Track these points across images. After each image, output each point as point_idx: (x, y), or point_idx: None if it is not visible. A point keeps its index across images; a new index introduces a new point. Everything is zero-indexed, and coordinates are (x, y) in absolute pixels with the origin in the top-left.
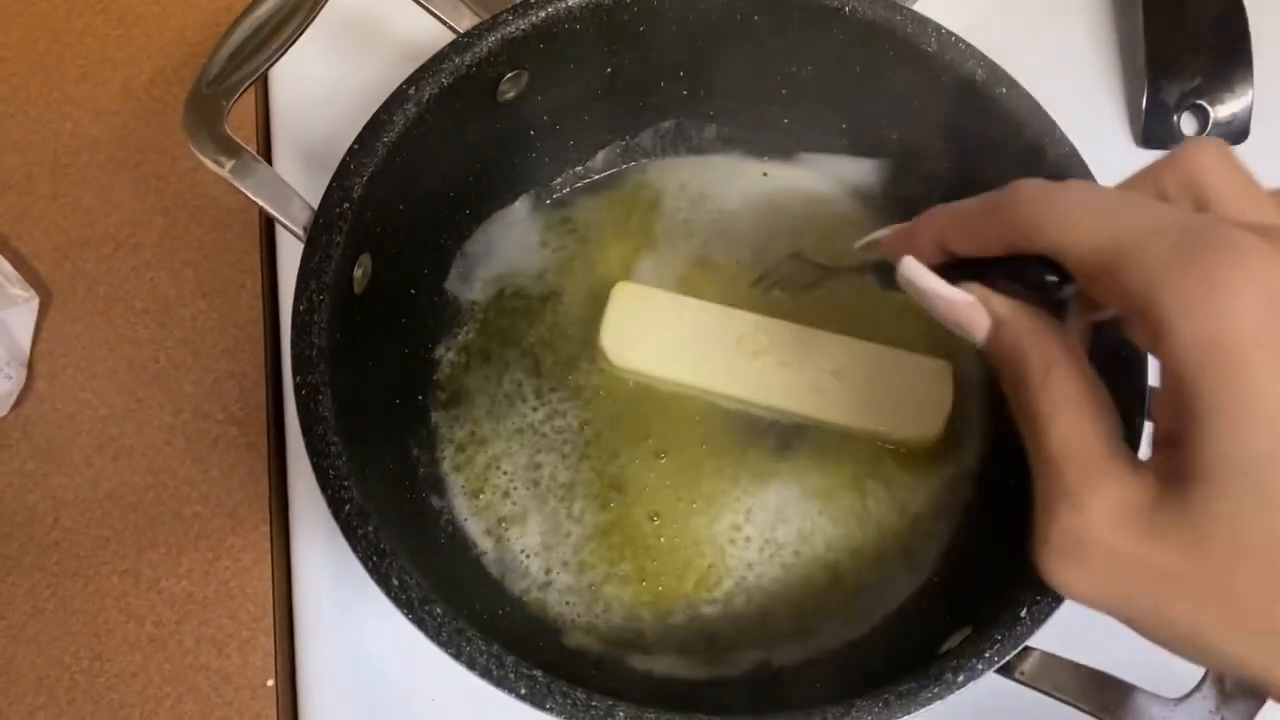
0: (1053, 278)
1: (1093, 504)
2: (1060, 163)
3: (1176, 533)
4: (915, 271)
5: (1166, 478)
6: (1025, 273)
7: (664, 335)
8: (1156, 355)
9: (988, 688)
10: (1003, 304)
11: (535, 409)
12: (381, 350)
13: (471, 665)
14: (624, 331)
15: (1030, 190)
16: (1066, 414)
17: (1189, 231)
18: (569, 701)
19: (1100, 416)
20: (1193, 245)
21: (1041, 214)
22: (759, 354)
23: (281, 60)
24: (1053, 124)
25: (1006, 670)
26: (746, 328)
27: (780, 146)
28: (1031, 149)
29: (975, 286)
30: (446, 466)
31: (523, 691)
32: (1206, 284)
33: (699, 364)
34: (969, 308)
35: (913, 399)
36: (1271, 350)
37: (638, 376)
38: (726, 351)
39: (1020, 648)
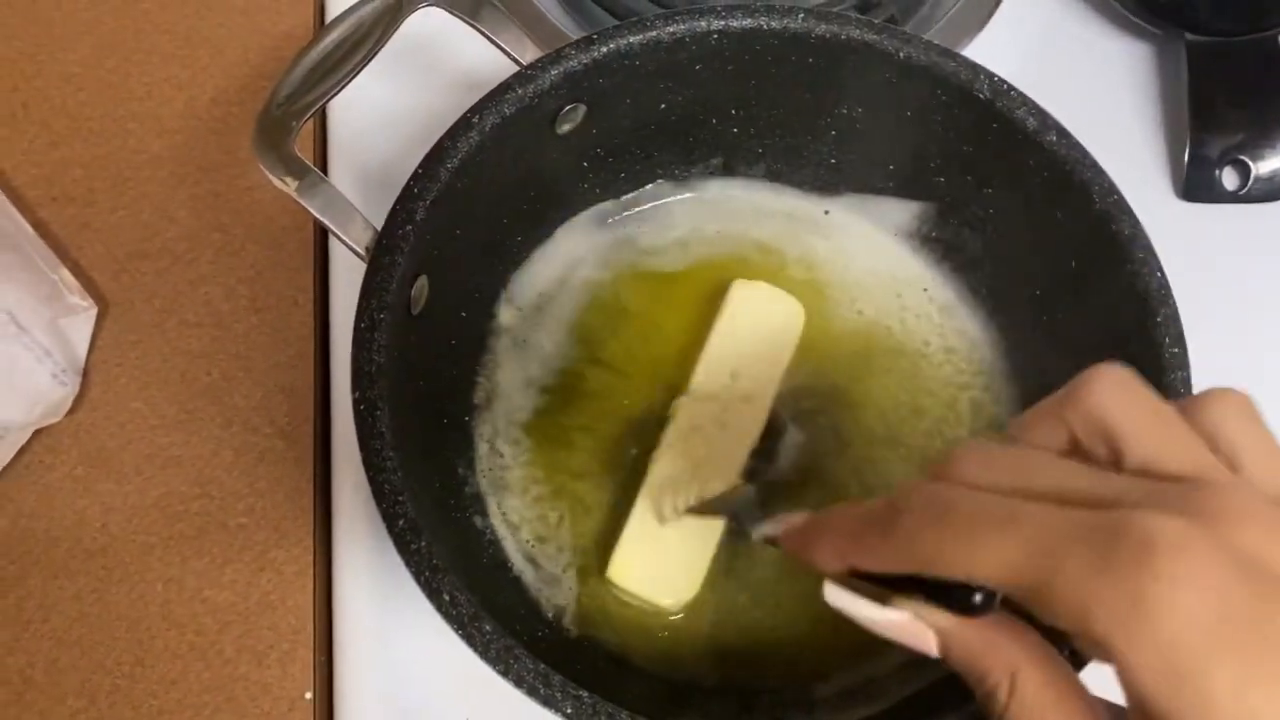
0: (977, 599)
1: None
2: (1107, 211)
3: None
4: (840, 600)
5: None
6: (945, 597)
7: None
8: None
9: None
10: (942, 616)
11: (569, 431)
12: (433, 371)
13: (519, 683)
14: (655, 579)
15: (917, 512)
16: None
17: (1102, 537)
18: None
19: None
20: (1111, 557)
21: (938, 543)
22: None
23: None
24: (1101, 172)
25: None
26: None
27: (827, 185)
28: (1079, 197)
29: (905, 601)
30: (488, 487)
31: (569, 711)
32: (1136, 603)
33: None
34: (908, 627)
35: (769, 322)
36: (1230, 657)
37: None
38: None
39: None
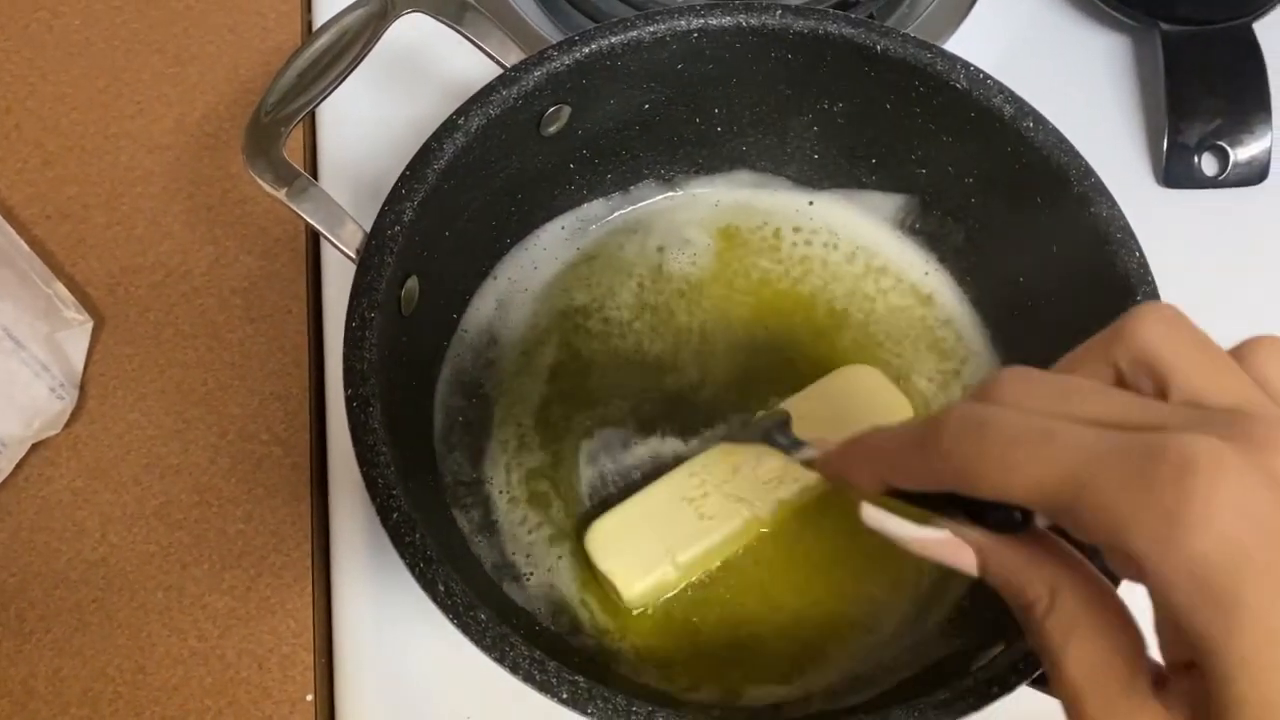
0: (1016, 517)
1: None
2: (1085, 194)
3: None
4: (878, 520)
5: (1194, 711)
6: (984, 516)
7: (649, 544)
8: (1145, 587)
9: (1023, 705)
10: (981, 534)
11: (565, 425)
12: (424, 371)
13: (515, 669)
14: (626, 563)
15: (955, 430)
16: (1080, 643)
17: (1138, 457)
18: (610, 707)
19: (1120, 640)
20: (1147, 475)
21: (975, 460)
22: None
23: None
24: (1078, 156)
25: (1040, 683)
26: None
27: (810, 181)
28: (1057, 181)
29: (944, 521)
30: (484, 484)
31: (564, 696)
32: (1172, 520)
33: (691, 544)
34: (948, 545)
35: (867, 403)
36: (1262, 573)
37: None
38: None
39: None
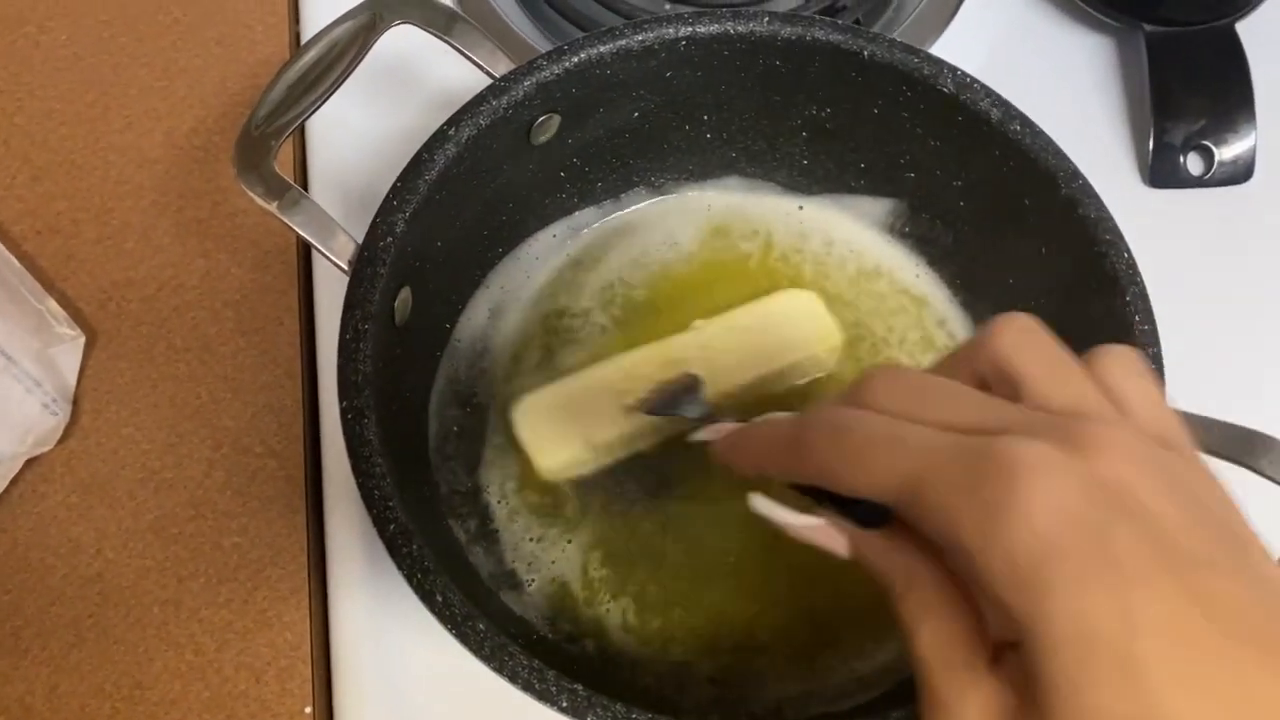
0: (874, 513)
1: (962, 714)
2: (1073, 196)
3: None
4: (763, 507)
5: (1020, 683)
6: (852, 509)
7: (569, 424)
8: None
9: None
10: (850, 525)
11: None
12: (418, 381)
13: (514, 679)
14: (543, 441)
15: (818, 432)
16: (930, 623)
17: (968, 457)
18: (609, 714)
19: (963, 622)
20: (974, 474)
21: (834, 461)
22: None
23: None
24: (1065, 159)
25: None
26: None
27: (800, 187)
28: (1045, 184)
29: (823, 511)
30: (481, 493)
31: (564, 704)
32: (994, 514)
33: (608, 429)
34: (821, 532)
35: (799, 328)
36: (1068, 563)
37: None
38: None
39: None
